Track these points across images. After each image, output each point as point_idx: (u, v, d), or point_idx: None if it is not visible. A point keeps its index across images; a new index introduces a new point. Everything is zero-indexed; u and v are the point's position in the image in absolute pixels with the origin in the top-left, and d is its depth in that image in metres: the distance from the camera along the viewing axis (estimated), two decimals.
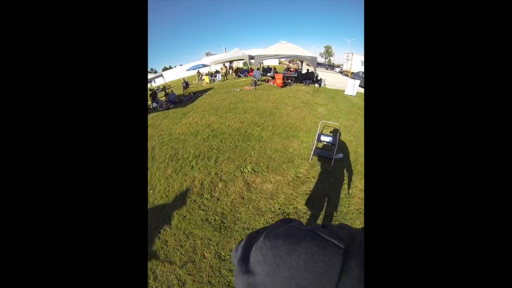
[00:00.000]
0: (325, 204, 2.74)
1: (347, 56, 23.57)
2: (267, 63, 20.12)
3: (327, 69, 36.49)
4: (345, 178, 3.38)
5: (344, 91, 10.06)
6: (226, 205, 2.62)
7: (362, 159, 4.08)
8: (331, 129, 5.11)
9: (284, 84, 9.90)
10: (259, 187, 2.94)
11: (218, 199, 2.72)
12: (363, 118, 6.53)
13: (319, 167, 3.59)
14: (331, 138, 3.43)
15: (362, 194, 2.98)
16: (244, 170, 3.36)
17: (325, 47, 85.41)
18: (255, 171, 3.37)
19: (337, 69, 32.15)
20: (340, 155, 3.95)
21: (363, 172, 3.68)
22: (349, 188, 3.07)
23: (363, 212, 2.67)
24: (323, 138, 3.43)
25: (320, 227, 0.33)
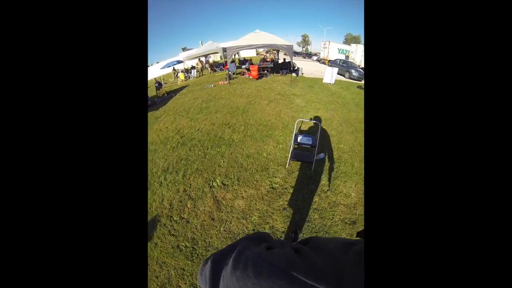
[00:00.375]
0: (307, 218, 2.35)
1: (324, 44, 23.43)
2: (244, 54, 19.33)
3: (304, 57, 36.36)
4: (328, 183, 2.96)
5: (322, 79, 9.73)
6: (196, 228, 2.25)
7: (345, 156, 3.71)
8: (312, 124, 4.65)
9: (260, 76, 9.33)
10: (230, 205, 2.51)
11: (187, 222, 2.33)
12: (343, 108, 6.22)
13: (298, 172, 3.14)
14: (310, 139, 2.96)
15: (347, 201, 2.62)
16: (213, 184, 2.87)
17: (302, 36, 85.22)
18: (224, 184, 2.89)
19: (315, 58, 32.14)
20: (322, 155, 3.52)
21: (348, 173, 3.33)
22: (330, 185, 2.67)
23: (349, 222, 2.31)
24: (300, 139, 2.95)
25: (295, 259, 0.31)
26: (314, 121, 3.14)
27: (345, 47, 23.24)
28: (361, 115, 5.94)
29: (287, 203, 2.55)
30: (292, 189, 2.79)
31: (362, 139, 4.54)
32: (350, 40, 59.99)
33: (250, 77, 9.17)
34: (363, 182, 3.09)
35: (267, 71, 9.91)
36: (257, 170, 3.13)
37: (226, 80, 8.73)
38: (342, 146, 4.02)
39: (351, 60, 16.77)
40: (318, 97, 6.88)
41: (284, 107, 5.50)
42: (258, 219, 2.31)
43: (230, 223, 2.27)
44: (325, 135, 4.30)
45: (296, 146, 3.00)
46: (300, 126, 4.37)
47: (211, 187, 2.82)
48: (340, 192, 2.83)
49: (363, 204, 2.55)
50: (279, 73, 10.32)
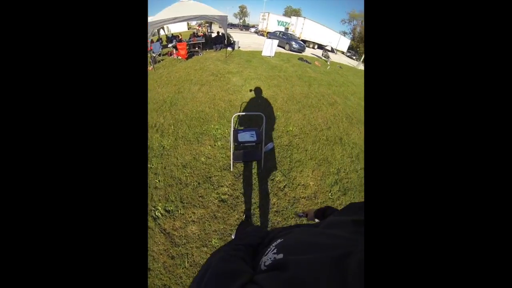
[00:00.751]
0: (269, 224, 1.99)
1: (263, 16, 22.04)
2: (174, 29, 16.48)
3: (241, 30, 34.30)
4: (284, 178, 2.41)
5: (261, 52, 8.94)
6: (161, 273, 1.74)
7: (297, 140, 3.18)
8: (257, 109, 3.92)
9: (191, 55, 7.88)
10: (183, 235, 1.90)
11: (149, 269, 1.78)
12: (286, 82, 5.67)
13: (246, 173, 2.46)
14: (253, 134, 2.21)
15: (307, 192, 2.26)
16: (156, 214, 2.11)
17: (239, 7, 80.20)
18: (168, 211, 2.13)
19: (252, 29, 30.70)
20: (270, 146, 2.88)
21: (302, 161, 2.83)
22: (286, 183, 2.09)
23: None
24: (241, 137, 2.19)
25: (278, 268, 0.30)
26: (257, 113, 2.37)
27: (285, 19, 22.40)
28: (305, 89, 5.55)
29: (243, 214, 2.10)
30: (244, 196, 2.20)
31: (311, 116, 4.12)
32: (290, 12, 59.37)
33: (179, 57, 7.64)
34: (319, 168, 2.74)
35: (198, 48, 8.47)
36: (198, 183, 2.37)
37: (150, 65, 6.97)
38: (291, 128, 3.47)
39: (291, 32, 16.28)
40: (258, 72, 6.12)
41: (218, 89, 4.54)
42: (220, 241, 1.89)
43: (192, 255, 1.80)
44: (270, 118, 3.67)
45: (236, 145, 2.24)
46: (237, 124, 3.58)
47: (155, 219, 2.09)
48: (298, 184, 2.43)
49: (323, 190, 2.41)
50: (212, 48, 8.99)
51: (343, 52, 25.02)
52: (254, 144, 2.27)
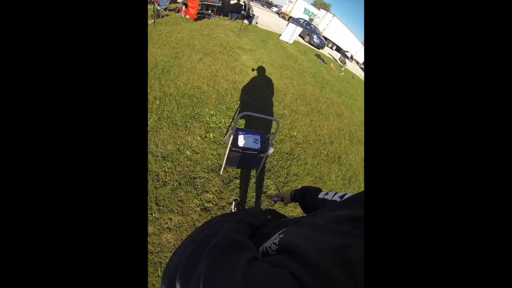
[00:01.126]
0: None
1: None
2: None
3: (263, 5, 31.94)
4: (277, 193, 2.03)
5: (279, 35, 8.11)
6: None
7: (299, 150, 2.71)
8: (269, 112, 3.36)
9: (201, 17, 6.92)
10: (157, 242, 1.60)
11: None
12: (299, 77, 5.07)
13: (238, 180, 2.01)
14: (257, 140, 1.71)
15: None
16: None
17: None
18: None
19: (275, 9, 28.60)
20: (270, 151, 2.40)
21: (300, 175, 2.43)
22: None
23: None
24: (243, 141, 1.68)
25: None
26: (271, 118, 1.77)
27: (313, 9, 20.70)
28: (317, 90, 4.99)
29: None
30: (230, 207, 1.85)
31: (318, 124, 3.64)
32: (319, 4, 55.83)
33: (187, 16, 6.67)
34: (315, 185, 2.32)
35: (211, 11, 7.47)
36: (179, 184, 1.92)
37: (152, 18, 5.95)
38: (295, 134, 2.98)
39: (314, 25, 15.16)
40: (272, 56, 5.43)
41: (223, 65, 3.88)
42: None
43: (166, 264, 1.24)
44: (276, 116, 3.15)
45: (231, 147, 1.72)
46: (237, 118, 3.01)
47: None
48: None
49: None
50: (227, 16, 7.98)
51: (358, 63, 24.16)
52: (256, 152, 1.77)
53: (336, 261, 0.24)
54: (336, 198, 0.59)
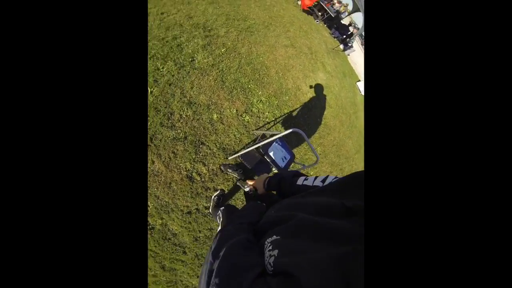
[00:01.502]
0: None
1: None
2: None
3: (362, 44, 31.35)
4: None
5: (359, 80, 7.82)
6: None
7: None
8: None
9: (310, 11, 6.68)
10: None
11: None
12: (351, 127, 4.79)
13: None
14: (286, 157, 1.52)
15: None
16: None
17: None
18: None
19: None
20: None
21: None
22: None
23: None
24: (272, 151, 1.49)
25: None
26: (316, 154, 1.48)
27: None
28: (354, 150, 4.72)
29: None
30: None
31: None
32: None
33: (299, 2, 6.44)
34: None
35: (321, 15, 7.20)
36: (185, 137, 1.82)
37: None
38: (311, 174, 2.76)
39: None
40: (341, 93, 5.16)
41: (300, 67, 3.64)
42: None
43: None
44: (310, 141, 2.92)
45: (258, 153, 1.53)
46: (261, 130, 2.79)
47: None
48: None
49: None
50: (330, 29, 7.70)
51: None
52: (271, 165, 1.57)
53: (336, 278, 0.24)
54: (318, 182, 0.56)
